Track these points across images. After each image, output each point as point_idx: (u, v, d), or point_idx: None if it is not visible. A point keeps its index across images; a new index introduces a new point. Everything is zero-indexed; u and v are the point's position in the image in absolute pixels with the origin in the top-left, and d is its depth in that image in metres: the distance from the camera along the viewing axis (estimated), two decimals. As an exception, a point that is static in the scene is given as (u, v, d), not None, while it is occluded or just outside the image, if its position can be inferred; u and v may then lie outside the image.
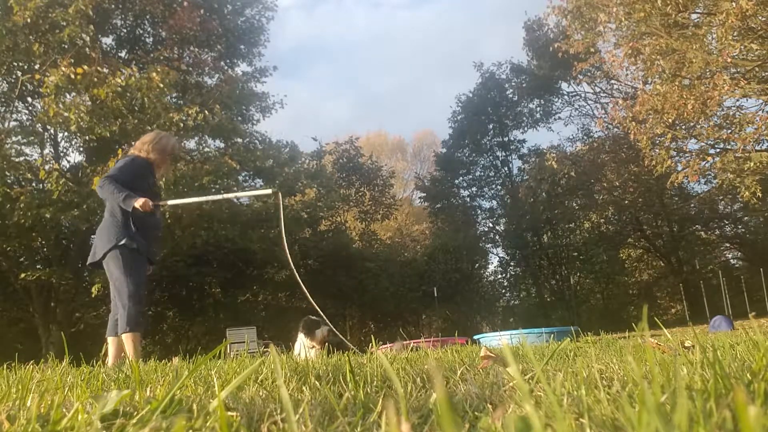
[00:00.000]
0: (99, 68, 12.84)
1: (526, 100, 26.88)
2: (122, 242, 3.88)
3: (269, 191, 4.88)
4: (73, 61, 12.61)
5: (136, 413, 0.86)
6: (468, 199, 28.14)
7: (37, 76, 13.29)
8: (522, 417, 0.63)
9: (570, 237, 26.58)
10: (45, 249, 15.42)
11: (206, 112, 13.74)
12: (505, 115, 27.34)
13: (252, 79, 18.77)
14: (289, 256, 4.75)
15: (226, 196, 5.13)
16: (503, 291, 27.54)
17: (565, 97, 26.75)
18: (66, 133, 14.57)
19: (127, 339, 3.73)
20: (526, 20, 25.07)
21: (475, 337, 9.17)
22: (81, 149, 15.59)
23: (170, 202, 4.47)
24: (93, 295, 13.41)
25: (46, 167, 12.93)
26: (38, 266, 14.26)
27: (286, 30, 51.88)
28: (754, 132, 12.31)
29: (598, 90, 25.78)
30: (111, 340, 3.87)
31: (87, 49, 13.42)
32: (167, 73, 13.07)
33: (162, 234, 4.44)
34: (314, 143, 23.64)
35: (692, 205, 24.39)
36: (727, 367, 1.02)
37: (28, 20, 12.64)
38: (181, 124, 13.47)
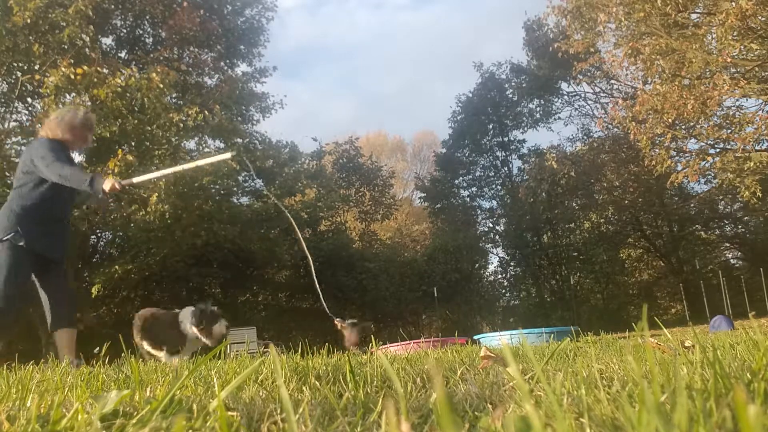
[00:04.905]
0: (99, 69, 12.83)
1: (526, 100, 26.89)
2: (7, 237, 3.63)
3: (229, 155, 4.66)
4: (72, 61, 12.60)
5: (136, 413, 0.86)
6: (468, 199, 28.16)
7: (37, 77, 13.28)
8: (522, 417, 0.63)
9: (570, 237, 26.58)
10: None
11: (206, 112, 13.74)
12: (505, 115, 27.35)
13: (252, 79, 18.78)
14: (278, 203, 4.64)
15: (185, 166, 4.89)
16: (503, 291, 27.55)
17: (565, 97, 26.78)
18: (66, 134, 14.55)
19: None
20: (526, 20, 25.11)
21: (475, 337, 9.16)
22: (80, 150, 15.58)
23: (136, 180, 4.29)
24: (93, 296, 13.41)
25: (46, 168, 12.91)
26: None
27: (288, 31, 51.91)
28: (754, 132, 12.31)
29: (598, 90, 25.81)
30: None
31: (87, 49, 13.42)
32: (167, 73, 13.07)
33: (68, 228, 4.16)
34: (314, 143, 23.67)
35: (692, 205, 24.39)
36: (727, 366, 1.02)
37: (28, 21, 12.64)
38: (181, 125, 13.46)
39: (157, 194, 12.79)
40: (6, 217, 3.73)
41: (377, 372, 1.45)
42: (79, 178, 3.69)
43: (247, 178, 18.15)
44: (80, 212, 12.66)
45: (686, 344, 1.92)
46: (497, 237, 27.49)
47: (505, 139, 27.67)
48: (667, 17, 12.43)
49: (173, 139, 14.23)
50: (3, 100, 15.01)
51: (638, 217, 25.15)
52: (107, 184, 3.63)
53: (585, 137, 25.93)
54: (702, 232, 25.56)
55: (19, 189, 3.83)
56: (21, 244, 3.63)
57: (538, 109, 27.00)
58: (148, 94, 12.69)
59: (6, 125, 14.61)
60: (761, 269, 14.50)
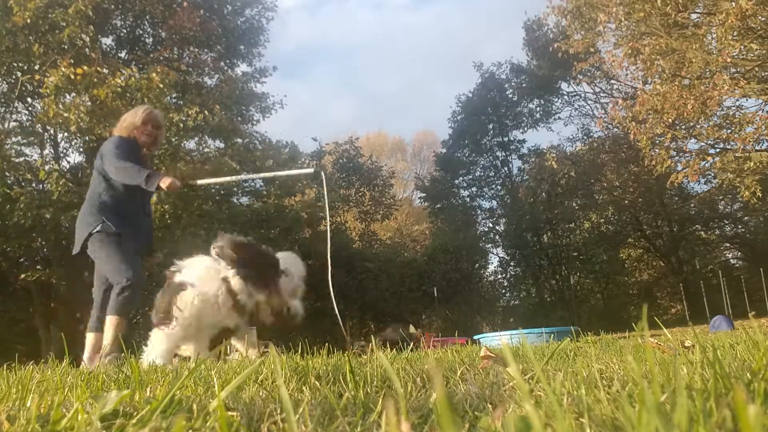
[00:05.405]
0: (99, 68, 12.83)
1: (526, 100, 26.88)
2: (99, 228, 3.75)
3: (311, 170, 4.59)
4: (72, 61, 12.60)
5: (136, 413, 0.86)
6: (468, 199, 28.14)
7: (37, 77, 13.28)
8: (522, 417, 0.63)
9: (570, 237, 26.57)
10: (45, 249, 15.42)
11: (206, 112, 13.73)
12: (505, 115, 27.33)
13: (252, 79, 18.77)
14: (329, 241, 4.23)
15: (263, 175, 4.89)
16: (503, 291, 27.54)
17: (565, 97, 26.77)
18: (66, 134, 14.56)
19: (110, 321, 3.63)
20: (526, 20, 25.09)
21: (475, 337, 9.16)
22: (81, 150, 15.59)
23: (200, 182, 4.25)
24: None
25: (46, 168, 12.93)
26: (38, 266, 14.26)
27: (288, 31, 51.92)
28: (754, 132, 12.31)
29: (598, 90, 25.81)
30: (91, 336, 3.77)
31: (87, 49, 13.42)
32: (167, 73, 13.06)
33: (149, 226, 4.27)
34: (314, 143, 23.66)
35: (692, 205, 24.39)
36: (727, 366, 1.02)
37: (28, 21, 12.64)
38: (181, 125, 13.46)
39: (156, 194, 12.77)
40: (89, 213, 3.87)
41: (377, 372, 1.45)
42: (135, 173, 3.77)
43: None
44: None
45: (686, 344, 1.92)
46: (497, 237, 27.49)
47: (505, 139, 27.66)
48: (667, 17, 12.43)
49: (173, 140, 14.23)
50: (3, 100, 15.01)
51: (638, 217, 25.15)
52: (165, 182, 3.71)
53: (585, 137, 25.94)
54: (702, 232, 25.56)
55: (95, 186, 3.99)
56: (114, 231, 3.75)
57: (538, 109, 27.00)
58: (148, 94, 12.68)
59: (6, 125, 14.61)
60: (761, 269, 14.50)
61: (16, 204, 12.42)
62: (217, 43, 17.79)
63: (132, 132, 4.08)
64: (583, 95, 26.51)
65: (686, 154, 14.27)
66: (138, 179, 3.74)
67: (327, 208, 4.40)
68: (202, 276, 3.04)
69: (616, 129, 19.72)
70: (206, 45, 17.54)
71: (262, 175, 4.69)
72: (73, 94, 12.94)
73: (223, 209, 15.18)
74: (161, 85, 12.79)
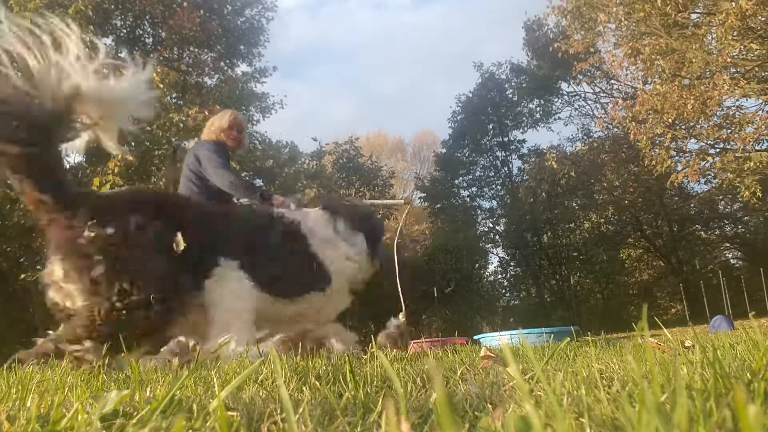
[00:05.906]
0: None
1: (526, 100, 26.87)
2: None
3: (401, 201, 4.77)
4: (72, 61, 12.60)
5: (136, 413, 0.86)
6: (468, 199, 28.12)
7: (37, 77, 13.27)
8: (522, 416, 0.63)
9: (570, 237, 26.56)
10: (45, 249, 15.38)
11: (206, 112, 13.73)
12: (505, 115, 27.32)
13: (252, 79, 18.77)
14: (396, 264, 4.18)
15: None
16: (503, 291, 27.53)
17: (565, 97, 26.74)
18: (66, 134, 14.53)
19: None
20: (526, 20, 25.08)
21: (475, 337, 9.15)
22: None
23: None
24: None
25: (46, 168, 12.91)
26: (38, 266, 14.24)
27: (288, 31, 51.88)
28: (754, 132, 12.32)
29: (598, 90, 25.79)
30: None
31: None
32: (167, 73, 13.06)
33: None
34: (314, 143, 23.68)
35: (692, 205, 24.38)
36: (727, 366, 1.02)
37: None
38: (181, 125, 13.46)
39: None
40: None
41: (377, 372, 1.45)
42: (248, 191, 4.00)
43: (246, 177, 18.14)
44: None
45: (686, 344, 1.92)
46: (497, 237, 27.48)
47: (505, 139, 27.64)
48: (667, 17, 12.43)
49: (173, 139, 14.23)
50: (3, 100, 15.00)
51: (638, 217, 25.14)
52: (277, 202, 3.90)
53: (585, 137, 25.92)
54: (702, 232, 25.55)
55: (191, 186, 4.18)
56: None
57: (538, 109, 26.99)
58: (148, 94, 12.66)
59: (6, 125, 14.59)
60: (761, 269, 14.47)
61: (16, 204, 12.41)
62: (217, 43, 17.79)
63: (220, 136, 4.32)
64: (583, 95, 26.51)
65: (686, 154, 14.27)
66: (251, 197, 3.96)
67: (396, 238, 4.67)
68: (321, 226, 2.31)
69: (616, 129, 19.73)
70: (206, 45, 17.54)
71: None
72: (73, 94, 12.92)
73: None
74: (161, 85, 12.78)
